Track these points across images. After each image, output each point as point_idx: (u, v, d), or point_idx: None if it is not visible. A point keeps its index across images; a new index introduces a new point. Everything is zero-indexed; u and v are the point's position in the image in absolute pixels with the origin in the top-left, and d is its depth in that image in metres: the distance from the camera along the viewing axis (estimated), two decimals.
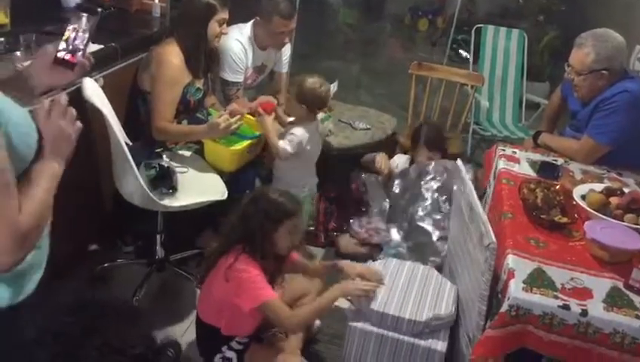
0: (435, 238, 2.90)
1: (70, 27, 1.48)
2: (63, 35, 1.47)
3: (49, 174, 1.34)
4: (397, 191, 3.16)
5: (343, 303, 2.28)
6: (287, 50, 3.32)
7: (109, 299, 0.91)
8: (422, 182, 3.06)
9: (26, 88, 1.43)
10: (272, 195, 2.16)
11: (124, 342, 0.85)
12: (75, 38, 1.48)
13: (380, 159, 3.31)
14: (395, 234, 3.03)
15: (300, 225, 2.20)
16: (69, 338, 0.82)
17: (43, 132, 1.35)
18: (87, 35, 1.49)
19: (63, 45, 1.47)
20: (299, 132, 2.80)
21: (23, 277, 1.36)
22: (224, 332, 2.16)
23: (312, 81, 2.77)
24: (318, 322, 2.60)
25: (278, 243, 2.14)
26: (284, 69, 3.37)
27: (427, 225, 2.95)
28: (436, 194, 3.01)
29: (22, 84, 1.45)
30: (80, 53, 1.48)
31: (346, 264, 2.40)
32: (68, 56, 1.46)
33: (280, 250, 2.16)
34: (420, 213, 2.99)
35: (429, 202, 3.00)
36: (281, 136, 2.84)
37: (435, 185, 3.03)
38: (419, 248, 2.92)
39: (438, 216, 2.96)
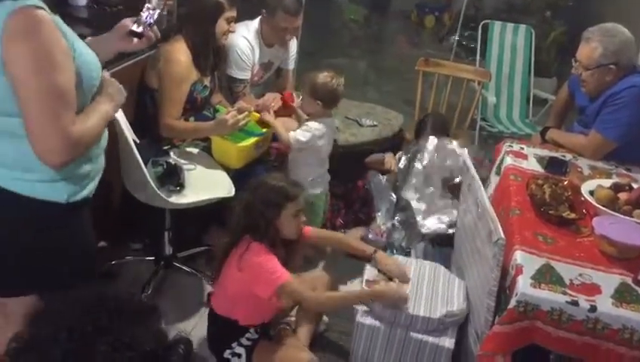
0: (420, 216, 2.89)
1: (145, 6, 1.84)
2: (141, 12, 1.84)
3: (101, 110, 1.63)
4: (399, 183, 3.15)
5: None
6: (293, 47, 3.32)
7: (121, 295, 0.91)
8: (415, 161, 3.04)
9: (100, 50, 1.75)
10: (270, 181, 2.17)
11: (135, 338, 0.85)
12: (146, 16, 1.83)
13: (389, 159, 3.29)
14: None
15: (302, 208, 2.20)
16: (82, 335, 0.83)
17: (102, 81, 1.67)
18: (155, 14, 1.84)
19: (136, 19, 1.82)
20: (314, 125, 2.79)
21: (79, 182, 1.66)
22: (242, 323, 2.17)
23: (323, 76, 2.76)
24: (326, 318, 2.61)
25: (282, 229, 2.14)
26: (291, 65, 3.37)
27: (413, 201, 2.93)
28: (424, 170, 2.98)
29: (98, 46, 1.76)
30: (147, 28, 1.82)
31: (380, 255, 2.37)
32: (140, 29, 1.81)
33: (286, 235, 2.16)
34: (408, 191, 2.97)
35: (417, 179, 2.98)
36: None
37: (425, 161, 3.00)
38: (406, 224, 2.93)
39: (427, 191, 2.93)
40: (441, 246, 2.87)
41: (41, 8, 1.44)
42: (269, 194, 2.12)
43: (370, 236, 3.00)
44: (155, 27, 1.86)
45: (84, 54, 1.58)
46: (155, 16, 1.84)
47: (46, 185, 1.60)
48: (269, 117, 2.81)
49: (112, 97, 1.69)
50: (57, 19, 1.51)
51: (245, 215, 2.13)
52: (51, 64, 1.44)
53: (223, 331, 2.23)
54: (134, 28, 1.82)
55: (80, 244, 1.76)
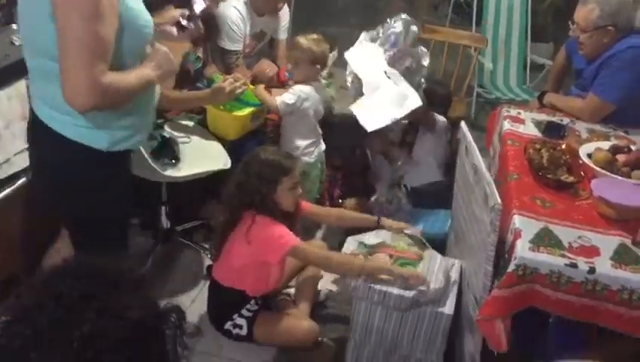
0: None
1: (193, 3, 2.03)
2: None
3: (142, 72, 1.71)
4: None
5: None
6: (285, 16, 3.27)
7: (109, 264, 0.90)
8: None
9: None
10: (263, 156, 2.15)
11: (124, 306, 0.84)
12: (192, 12, 2.02)
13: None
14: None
15: (298, 179, 2.19)
16: (69, 303, 0.82)
17: (154, 49, 1.76)
18: (198, 12, 2.03)
19: (184, 13, 2.02)
20: (299, 87, 2.76)
21: (121, 133, 1.75)
22: (250, 294, 2.18)
23: (308, 38, 2.75)
24: (325, 288, 2.62)
25: (281, 202, 2.13)
26: (283, 35, 3.33)
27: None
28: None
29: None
30: (191, 23, 2.02)
31: (385, 221, 2.40)
32: (184, 22, 1.99)
33: (285, 208, 2.16)
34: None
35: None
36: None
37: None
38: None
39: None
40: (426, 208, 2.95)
41: None
42: (262, 169, 2.11)
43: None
44: (199, 23, 2.04)
45: (133, 9, 1.64)
46: (198, 13, 2.03)
47: (90, 131, 1.70)
48: (259, 88, 2.78)
49: (159, 65, 1.76)
50: None
51: (241, 192, 2.12)
52: (93, 14, 1.50)
53: (224, 303, 2.24)
54: (182, 21, 1.99)
55: (115, 190, 1.85)
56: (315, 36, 2.78)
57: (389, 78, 2.84)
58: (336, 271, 2.34)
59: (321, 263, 2.22)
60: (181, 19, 1.96)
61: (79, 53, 1.52)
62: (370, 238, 2.34)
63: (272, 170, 2.11)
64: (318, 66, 2.79)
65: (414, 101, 2.76)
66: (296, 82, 2.80)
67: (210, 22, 2.78)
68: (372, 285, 2.10)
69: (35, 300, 0.82)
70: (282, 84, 3.01)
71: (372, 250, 2.28)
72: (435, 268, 2.21)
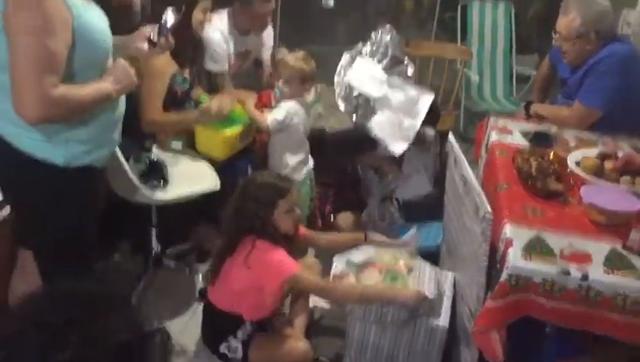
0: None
1: (163, 17, 2.01)
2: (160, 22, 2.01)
3: (98, 86, 1.73)
4: None
5: None
6: (269, 36, 3.29)
7: (91, 287, 0.89)
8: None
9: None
10: (259, 179, 2.14)
11: (108, 329, 0.83)
12: (161, 26, 2.00)
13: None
14: None
15: (295, 201, 2.17)
16: (51, 328, 0.80)
17: (114, 64, 1.80)
18: (168, 26, 2.01)
19: (154, 29, 2.00)
20: (286, 103, 2.76)
21: (79, 147, 1.77)
22: (246, 318, 2.15)
23: (295, 55, 2.75)
24: (320, 306, 2.59)
25: (279, 226, 2.11)
26: (267, 55, 3.34)
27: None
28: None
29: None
30: (162, 37, 2.00)
31: (372, 236, 2.40)
32: (155, 38, 1.99)
33: (284, 231, 2.14)
34: None
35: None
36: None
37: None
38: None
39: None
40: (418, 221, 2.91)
41: None
42: (259, 193, 2.09)
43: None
44: (169, 36, 2.03)
45: (90, 25, 1.69)
46: (167, 30, 2.02)
47: (45, 144, 1.72)
48: (249, 105, 2.77)
49: (117, 79, 1.78)
50: None
51: (239, 216, 2.10)
52: (43, 28, 1.56)
53: (218, 325, 2.21)
54: (152, 37, 1.99)
55: (77, 213, 1.87)
56: (301, 54, 2.80)
57: (393, 88, 2.89)
58: (337, 301, 2.30)
59: (322, 294, 2.20)
60: (151, 34, 1.98)
61: (28, 66, 1.57)
62: (357, 256, 2.33)
63: (268, 193, 2.09)
64: (307, 84, 2.80)
65: (425, 100, 2.80)
66: (285, 100, 2.81)
67: (197, 44, 2.79)
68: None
69: (16, 327, 0.81)
70: (264, 107, 2.96)
71: (360, 267, 2.26)
72: (425, 279, 2.20)
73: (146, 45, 1.98)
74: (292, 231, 2.18)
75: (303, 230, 2.34)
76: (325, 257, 2.62)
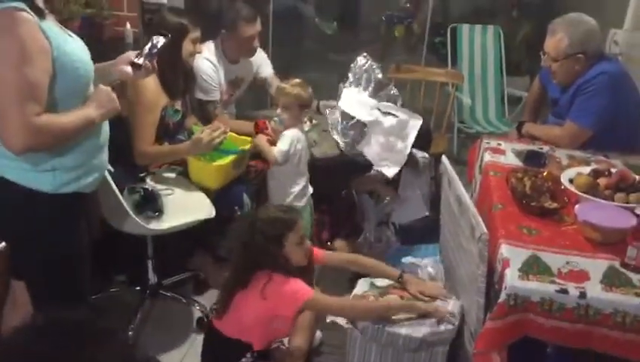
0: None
1: (149, 43, 2.04)
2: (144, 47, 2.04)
3: (82, 113, 1.76)
4: None
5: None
6: (261, 56, 3.31)
7: (79, 318, 0.88)
8: None
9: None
10: (264, 214, 2.14)
11: (96, 360, 0.82)
12: (147, 50, 2.01)
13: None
14: None
15: (304, 232, 2.17)
16: (38, 358, 0.79)
17: (95, 90, 1.82)
18: (154, 50, 2.03)
19: (138, 53, 2.01)
20: (288, 132, 2.78)
21: (67, 174, 1.78)
22: (256, 348, 2.12)
23: (293, 83, 2.77)
24: (319, 334, 2.57)
25: (291, 258, 2.10)
26: (269, 71, 3.38)
27: None
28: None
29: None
30: (147, 60, 2.00)
31: (407, 278, 2.28)
32: (140, 61, 1.99)
33: (296, 263, 2.12)
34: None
35: None
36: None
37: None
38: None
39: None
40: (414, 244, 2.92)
41: (23, 10, 1.61)
42: (266, 228, 2.08)
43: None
44: (154, 60, 2.04)
45: (71, 54, 1.72)
46: (152, 54, 2.03)
47: (32, 173, 1.74)
48: (261, 140, 2.78)
49: (100, 104, 1.81)
50: (46, 22, 1.68)
51: (248, 252, 2.09)
52: (23, 58, 1.59)
53: (220, 356, 2.19)
54: (135, 60, 1.99)
55: (67, 241, 1.86)
56: (298, 81, 2.82)
57: (384, 113, 2.92)
58: (357, 318, 2.14)
59: (342, 313, 2.15)
60: (135, 58, 2.00)
61: (10, 97, 1.60)
62: (382, 280, 2.32)
63: (275, 227, 2.08)
64: (306, 110, 2.82)
65: (414, 123, 2.82)
66: (286, 127, 2.82)
67: (188, 74, 2.81)
68: (380, 326, 2.07)
69: (4, 358, 0.80)
70: (259, 132, 2.94)
71: (383, 290, 2.25)
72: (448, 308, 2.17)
73: (129, 68, 2.00)
74: (304, 262, 2.16)
75: (319, 253, 2.31)
76: (324, 279, 2.60)
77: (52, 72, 1.66)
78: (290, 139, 2.74)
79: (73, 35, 1.82)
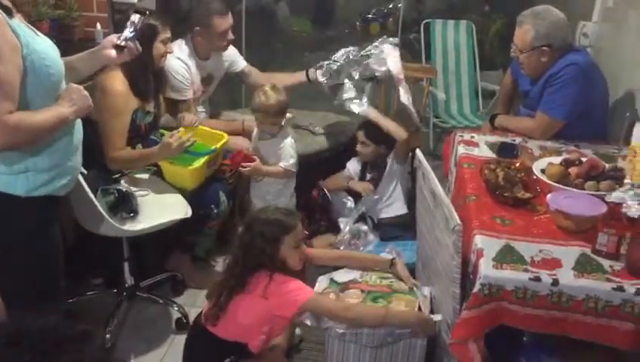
0: None
1: (128, 23, 2.03)
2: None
3: (55, 110, 1.74)
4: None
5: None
6: (230, 50, 3.29)
7: (51, 323, 0.88)
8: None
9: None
10: (264, 216, 2.13)
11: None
12: (127, 31, 2.02)
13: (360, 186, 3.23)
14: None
15: (302, 236, 2.17)
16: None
17: (67, 87, 1.80)
18: (134, 30, 2.03)
19: (120, 35, 2.02)
20: (285, 141, 2.84)
21: (39, 176, 1.77)
22: (254, 349, 2.11)
23: (269, 91, 2.79)
24: (298, 331, 2.57)
25: (287, 262, 2.10)
26: (243, 63, 3.38)
27: None
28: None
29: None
30: (129, 42, 2.02)
31: (398, 262, 2.33)
32: (123, 43, 2.00)
33: (292, 266, 2.12)
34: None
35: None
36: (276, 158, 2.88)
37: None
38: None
39: None
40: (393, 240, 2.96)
41: None
42: (265, 229, 2.07)
43: (341, 248, 2.98)
44: (136, 42, 2.06)
45: (40, 52, 1.70)
46: (133, 34, 2.03)
47: (6, 176, 1.73)
48: (259, 168, 2.81)
49: (73, 101, 1.79)
50: (14, 20, 1.67)
51: (246, 254, 2.08)
52: None
53: (201, 355, 2.17)
54: (118, 42, 2.00)
55: (40, 246, 1.84)
56: (270, 86, 2.83)
57: None
58: (354, 322, 2.11)
59: (339, 315, 2.10)
60: (117, 40, 2.01)
61: None
62: (341, 276, 2.33)
63: (274, 229, 2.08)
64: (287, 113, 2.86)
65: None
66: (273, 135, 2.87)
67: (159, 74, 2.78)
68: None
69: None
70: (237, 167, 2.86)
71: (343, 286, 2.26)
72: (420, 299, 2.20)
73: (113, 52, 1.99)
74: (299, 267, 2.16)
75: (310, 251, 2.31)
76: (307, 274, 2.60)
77: (23, 70, 1.65)
78: (290, 146, 2.83)
79: (40, 34, 1.80)
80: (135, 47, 2.06)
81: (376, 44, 3.22)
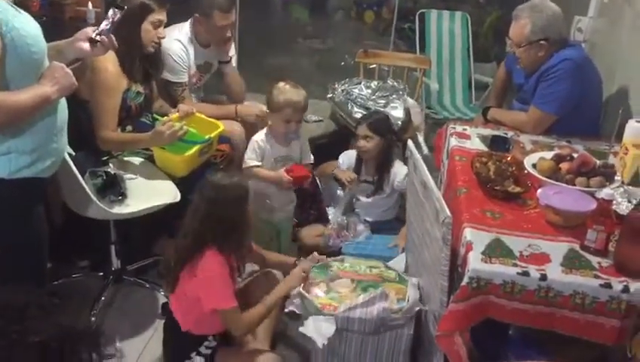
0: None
1: (106, 16, 2.00)
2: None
3: (37, 89, 1.71)
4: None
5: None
6: (231, 48, 3.26)
7: (13, 295, 0.88)
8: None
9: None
10: (218, 181, 2.09)
11: (25, 332, 0.81)
12: (103, 25, 1.98)
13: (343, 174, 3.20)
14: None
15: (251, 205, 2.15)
16: None
17: (49, 66, 1.77)
18: (111, 25, 1.99)
19: (96, 29, 1.98)
20: (300, 142, 2.87)
21: (22, 157, 1.75)
22: (195, 332, 2.10)
23: (286, 93, 2.71)
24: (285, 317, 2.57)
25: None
26: (231, 67, 3.31)
27: None
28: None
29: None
30: (104, 35, 1.97)
31: (305, 262, 2.35)
32: (98, 37, 1.96)
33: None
34: None
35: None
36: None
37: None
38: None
39: None
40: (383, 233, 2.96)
41: None
42: (226, 194, 2.06)
43: (330, 243, 2.96)
44: (111, 36, 2.00)
45: (20, 29, 1.67)
46: (109, 28, 1.99)
47: None
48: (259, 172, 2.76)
49: (56, 80, 1.75)
50: None
51: (206, 224, 2.04)
52: None
53: (179, 341, 2.16)
54: (93, 35, 1.95)
55: (24, 228, 1.82)
56: (288, 85, 2.75)
57: None
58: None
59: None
60: (92, 34, 1.95)
61: None
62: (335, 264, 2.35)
63: (235, 190, 2.09)
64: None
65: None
66: (297, 135, 2.86)
67: (155, 57, 2.75)
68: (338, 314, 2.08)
69: None
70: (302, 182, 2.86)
71: (333, 275, 2.27)
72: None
73: (87, 45, 1.94)
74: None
75: (254, 246, 2.34)
76: None
77: (2, 48, 1.61)
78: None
79: (23, 11, 1.75)
80: (110, 41, 2.00)
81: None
